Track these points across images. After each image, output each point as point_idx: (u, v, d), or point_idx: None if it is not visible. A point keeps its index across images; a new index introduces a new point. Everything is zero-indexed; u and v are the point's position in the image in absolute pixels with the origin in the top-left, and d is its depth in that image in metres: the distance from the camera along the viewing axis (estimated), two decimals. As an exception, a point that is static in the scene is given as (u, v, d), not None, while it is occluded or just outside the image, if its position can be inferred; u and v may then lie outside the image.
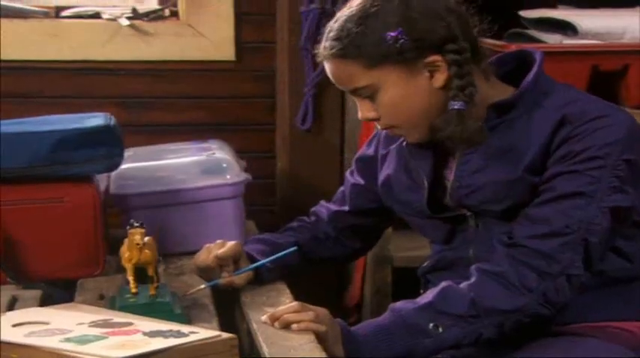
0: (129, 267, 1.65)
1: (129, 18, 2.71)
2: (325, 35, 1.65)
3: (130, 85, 2.74)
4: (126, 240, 1.65)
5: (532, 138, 1.60)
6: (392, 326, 1.53)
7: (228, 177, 2.14)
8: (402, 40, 1.57)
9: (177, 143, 2.46)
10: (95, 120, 2.00)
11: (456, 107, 1.58)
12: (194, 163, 2.18)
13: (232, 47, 2.75)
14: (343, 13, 1.63)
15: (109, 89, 2.72)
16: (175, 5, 2.79)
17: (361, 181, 1.91)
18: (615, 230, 1.57)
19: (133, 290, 1.65)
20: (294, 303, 1.58)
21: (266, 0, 2.74)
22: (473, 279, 1.55)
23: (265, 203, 2.78)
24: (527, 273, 1.52)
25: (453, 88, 1.59)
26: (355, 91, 1.64)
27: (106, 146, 1.95)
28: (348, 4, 1.64)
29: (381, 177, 1.83)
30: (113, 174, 2.09)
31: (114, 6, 2.81)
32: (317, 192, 2.68)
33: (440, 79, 1.60)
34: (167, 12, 2.79)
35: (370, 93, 1.62)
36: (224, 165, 2.17)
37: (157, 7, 2.80)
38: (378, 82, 1.60)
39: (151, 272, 1.65)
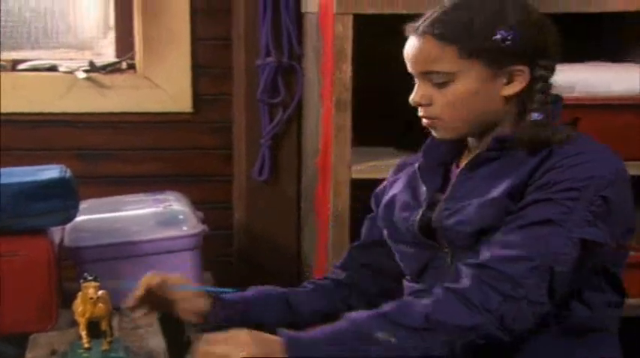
0: (82, 321, 1.64)
1: (86, 71, 2.72)
2: (429, 13, 1.63)
3: (87, 137, 2.74)
4: (79, 294, 1.65)
5: (520, 167, 1.61)
6: (343, 330, 1.51)
7: (184, 228, 2.14)
8: (509, 42, 1.58)
9: (134, 195, 2.46)
10: (50, 172, 2.00)
11: (537, 118, 1.61)
12: (150, 215, 2.18)
13: (189, 99, 2.77)
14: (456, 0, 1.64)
15: (66, 141, 2.72)
16: (133, 58, 2.80)
17: (375, 212, 1.90)
18: (583, 264, 1.56)
19: (86, 345, 1.64)
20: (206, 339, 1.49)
21: (223, 53, 2.77)
22: (434, 296, 1.54)
23: (223, 254, 2.78)
24: (491, 294, 1.51)
25: (536, 101, 1.61)
26: (429, 74, 1.62)
27: (61, 199, 1.95)
28: None
29: (386, 198, 1.83)
30: (68, 226, 2.08)
31: (70, 59, 2.82)
32: (274, 243, 2.69)
33: (515, 88, 1.62)
34: (124, 65, 2.80)
35: (443, 81, 1.61)
36: (180, 216, 2.17)
37: (115, 59, 2.81)
38: (459, 72, 1.60)
39: (104, 326, 1.65)
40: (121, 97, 2.73)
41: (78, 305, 1.65)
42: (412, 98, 1.65)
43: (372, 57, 2.37)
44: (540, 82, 1.62)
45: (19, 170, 2.06)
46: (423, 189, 1.76)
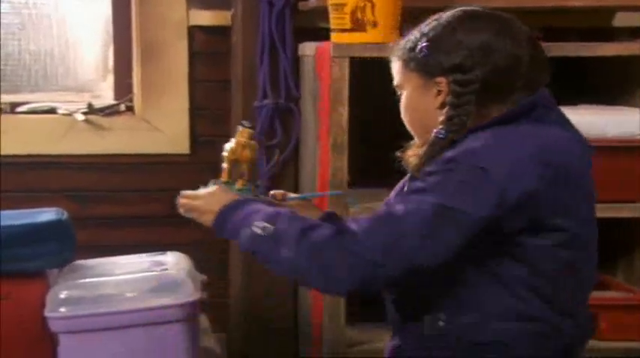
0: (228, 159, 1.76)
1: (84, 113, 2.74)
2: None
3: (85, 179, 2.75)
4: (235, 136, 1.78)
5: None
6: (250, 210, 1.61)
7: (179, 296, 1.96)
8: (424, 53, 1.64)
9: (132, 255, 2.28)
10: (47, 215, 2.01)
11: (434, 134, 1.61)
12: (142, 280, 2.00)
13: (187, 141, 2.78)
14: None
15: (63, 182, 2.73)
16: (131, 100, 2.82)
17: None
18: (453, 233, 1.51)
19: (224, 179, 1.74)
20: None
21: (220, 95, 2.79)
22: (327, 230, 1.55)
23: (219, 296, 2.77)
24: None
25: (444, 114, 1.62)
26: (396, 88, 1.72)
27: (58, 242, 1.95)
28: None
29: None
30: (51, 290, 1.93)
31: (69, 101, 2.83)
32: (271, 284, 2.69)
33: (440, 100, 1.64)
34: (123, 107, 2.82)
35: (399, 92, 1.71)
36: (175, 282, 1.99)
37: (113, 102, 2.83)
38: (404, 83, 1.69)
39: (244, 168, 1.76)
40: (119, 139, 2.75)
41: (230, 146, 1.76)
42: None
43: (368, 98, 2.39)
44: (451, 97, 1.62)
45: (16, 213, 2.07)
46: None
